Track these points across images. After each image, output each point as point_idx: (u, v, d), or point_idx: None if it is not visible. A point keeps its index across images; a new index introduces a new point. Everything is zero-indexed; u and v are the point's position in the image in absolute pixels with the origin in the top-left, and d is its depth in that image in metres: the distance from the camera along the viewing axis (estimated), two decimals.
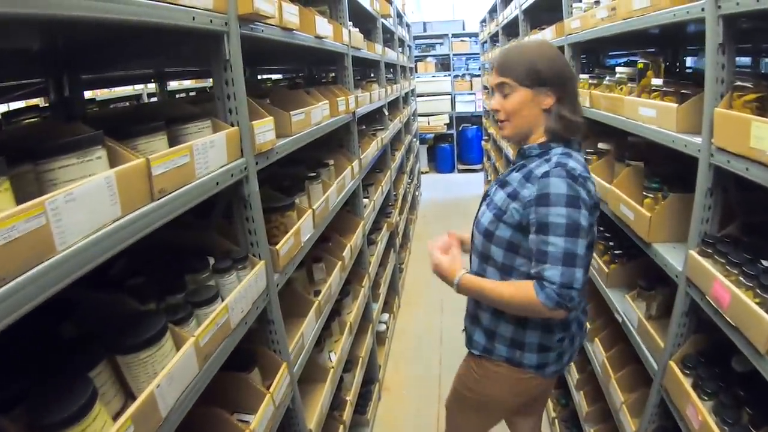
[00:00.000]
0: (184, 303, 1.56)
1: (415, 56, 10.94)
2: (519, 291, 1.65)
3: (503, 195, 1.76)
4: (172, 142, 1.51)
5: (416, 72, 10.82)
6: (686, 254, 1.74)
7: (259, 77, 5.20)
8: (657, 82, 1.99)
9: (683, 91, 1.84)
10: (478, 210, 1.90)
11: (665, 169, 2.33)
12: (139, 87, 5.11)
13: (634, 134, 2.18)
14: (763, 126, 1.25)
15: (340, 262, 2.89)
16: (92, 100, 3.26)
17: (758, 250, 1.58)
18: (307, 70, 5.20)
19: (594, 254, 2.67)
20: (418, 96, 10.23)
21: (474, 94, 10.94)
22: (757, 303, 1.36)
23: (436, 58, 11.59)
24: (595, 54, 4.34)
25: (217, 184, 1.52)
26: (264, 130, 1.80)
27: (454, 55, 11.30)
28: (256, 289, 1.79)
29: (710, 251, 1.65)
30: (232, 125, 1.68)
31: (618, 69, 2.43)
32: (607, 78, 2.55)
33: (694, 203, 1.72)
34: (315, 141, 2.57)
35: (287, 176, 2.68)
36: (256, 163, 1.78)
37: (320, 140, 2.74)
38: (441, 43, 11.52)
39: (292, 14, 2.09)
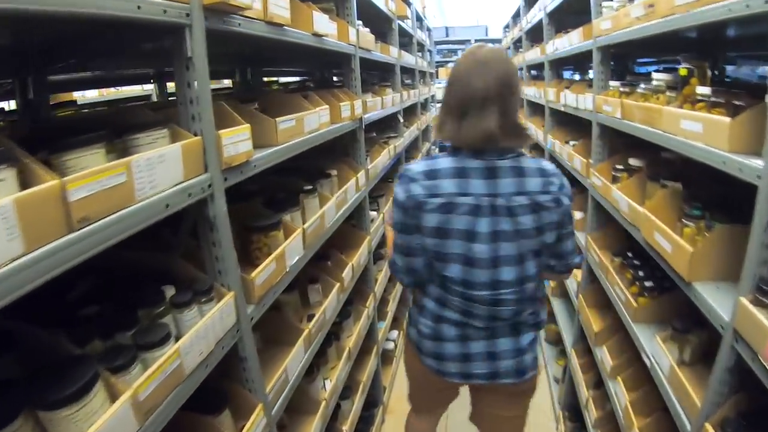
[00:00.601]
0: (131, 344, 1.32)
1: (437, 61, 10.69)
2: None
3: None
4: (123, 155, 1.27)
5: (437, 77, 10.55)
6: (736, 302, 1.43)
7: (266, 79, 4.99)
8: (703, 90, 1.68)
9: (736, 102, 1.53)
10: None
11: (707, 191, 2.03)
12: (148, 87, 4.88)
13: (668, 149, 1.88)
14: None
15: (338, 284, 2.62)
16: (72, 102, 3.01)
17: None
18: (319, 72, 4.96)
19: (621, 285, 2.42)
20: (438, 102, 9.92)
21: None
22: None
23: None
24: (622, 61, 4.03)
25: (168, 206, 1.26)
26: (236, 139, 1.54)
27: None
28: (222, 326, 1.53)
29: (767, 300, 1.34)
30: (196, 134, 1.41)
31: (655, 75, 2.12)
32: (642, 85, 2.24)
33: (749, 240, 1.41)
34: (319, 148, 2.36)
35: (283, 187, 2.43)
36: (225, 179, 1.52)
37: (324, 148, 2.52)
38: (463, 49, 11.17)
39: (280, 7, 1.83)
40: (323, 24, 2.31)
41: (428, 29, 8.49)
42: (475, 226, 1.71)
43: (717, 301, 1.61)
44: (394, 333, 4.42)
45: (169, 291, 1.53)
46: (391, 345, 4.25)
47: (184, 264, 1.63)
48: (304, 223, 2.20)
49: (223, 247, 1.55)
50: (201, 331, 1.41)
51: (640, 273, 2.40)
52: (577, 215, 3.41)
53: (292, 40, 2.01)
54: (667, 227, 1.86)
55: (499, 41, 10.06)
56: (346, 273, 2.76)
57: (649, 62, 4.30)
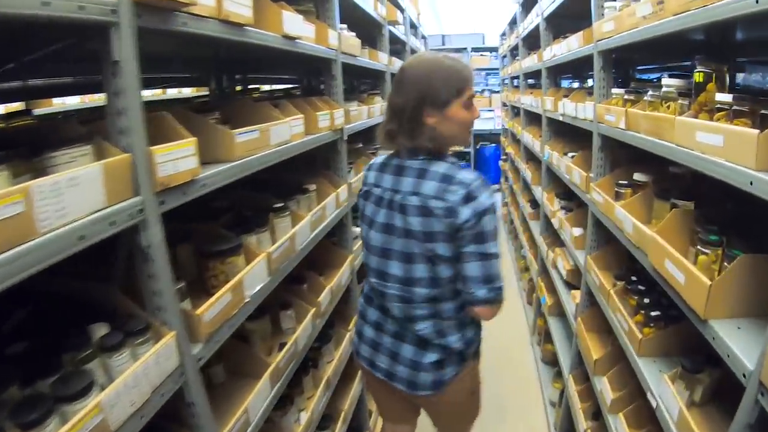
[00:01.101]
0: (49, 394, 1.11)
1: None
2: None
3: None
4: (39, 176, 1.07)
5: None
6: (764, 349, 1.19)
7: (254, 87, 4.77)
8: (724, 97, 1.44)
9: (764, 111, 1.30)
10: None
11: (721, 210, 1.80)
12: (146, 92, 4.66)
13: (678, 163, 1.66)
14: None
15: (313, 309, 2.39)
16: (27, 112, 2.77)
17: None
18: (306, 80, 4.74)
19: (624, 312, 2.22)
20: None
21: (493, 110, 10.44)
22: None
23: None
24: (623, 67, 3.81)
25: (82, 238, 1.03)
26: (176, 156, 1.31)
27: (473, 69, 10.74)
28: (160, 371, 1.30)
29: None
30: (125, 151, 1.18)
31: (665, 81, 1.88)
32: (650, 92, 2.00)
33: None
34: (298, 161, 2.22)
35: (255, 204, 2.24)
36: (162, 203, 1.29)
37: (304, 160, 2.37)
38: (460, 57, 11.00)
39: (239, 4, 1.61)
40: (295, 25, 2.09)
41: (423, 37, 8.27)
42: (376, 215, 1.86)
43: (738, 344, 1.37)
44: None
45: (100, 330, 1.31)
46: None
47: (122, 298, 1.40)
48: (275, 242, 1.98)
49: (160, 280, 1.32)
50: (130, 380, 1.19)
51: (646, 300, 2.17)
52: (576, 232, 3.18)
53: (255, 42, 1.79)
54: (679, 254, 1.62)
55: (495, 49, 9.90)
56: (324, 297, 2.53)
57: (651, 68, 4.07)
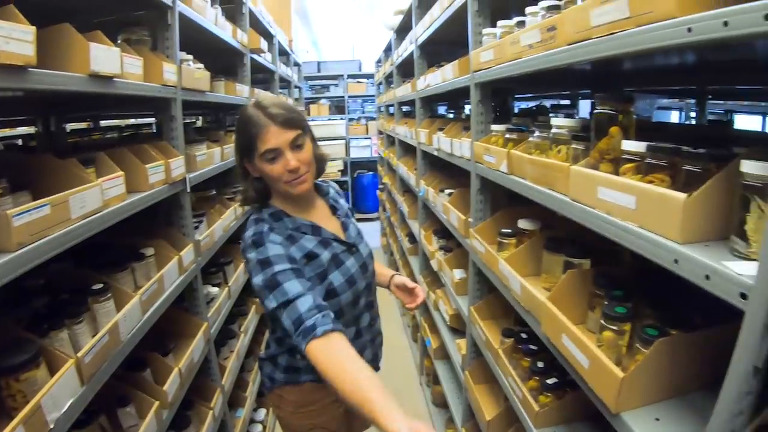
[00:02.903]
0: None
1: (307, 98, 10.21)
2: None
3: (353, 219, 2.02)
4: None
5: (309, 115, 10.07)
6: None
7: (105, 124, 4.22)
8: (634, 146, 1.18)
9: (687, 167, 1.04)
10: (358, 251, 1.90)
11: (621, 268, 1.56)
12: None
13: None
14: None
15: (157, 403, 1.93)
16: None
17: None
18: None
19: (515, 376, 1.98)
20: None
21: (369, 138, 10.28)
22: None
23: (331, 100, 10.82)
24: (500, 94, 3.63)
25: None
26: None
27: (349, 97, 10.58)
28: None
29: None
30: None
31: (555, 121, 1.62)
32: (537, 133, 1.74)
33: (723, 390, 0.90)
34: (132, 218, 1.81)
35: (76, 282, 1.78)
36: None
37: (141, 215, 1.94)
38: (336, 84, 10.79)
39: (15, 40, 1.16)
40: (110, 61, 1.62)
41: (297, 64, 7.93)
42: None
43: None
44: (261, 413, 3.73)
45: None
46: (258, 428, 3.57)
47: None
48: (89, 343, 1.51)
49: None
50: None
51: (540, 364, 1.90)
52: (457, 275, 2.92)
53: (44, 87, 1.33)
54: (580, 332, 1.34)
55: (372, 76, 9.76)
56: (171, 383, 2.06)
57: (529, 97, 3.95)
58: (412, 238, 4.93)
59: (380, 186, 8.30)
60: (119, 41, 2.14)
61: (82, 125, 4.24)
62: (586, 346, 1.29)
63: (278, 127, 1.62)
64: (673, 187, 1.05)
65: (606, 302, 1.38)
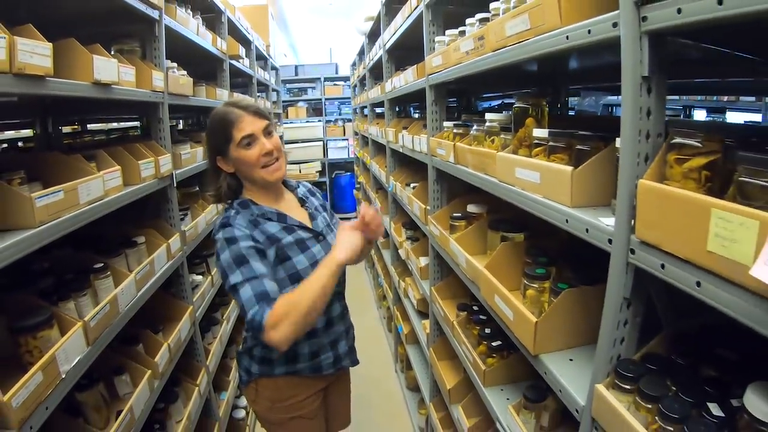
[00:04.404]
0: None
1: (286, 101, 10.41)
2: None
3: (325, 214, 2.12)
4: None
5: (287, 117, 10.25)
6: (591, 388, 1.18)
7: (94, 127, 4.41)
8: (540, 133, 1.46)
9: (579, 146, 1.31)
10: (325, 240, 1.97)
11: (553, 240, 1.83)
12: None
13: None
14: (736, 218, 0.71)
15: (149, 372, 2.16)
16: None
17: (704, 382, 1.08)
18: (146, 117, 4.43)
19: (467, 343, 2.22)
20: (287, 143, 9.60)
21: (347, 139, 10.50)
22: None
23: (308, 102, 11.04)
24: (466, 95, 3.91)
25: None
26: None
27: (326, 99, 10.81)
28: None
29: (628, 386, 1.10)
30: None
31: (488, 116, 1.90)
32: (475, 127, 2.02)
33: (602, 319, 1.17)
34: (124, 210, 2.02)
35: (78, 264, 2.01)
36: None
37: (132, 209, 2.16)
38: (313, 87, 11.01)
39: (37, 55, 1.43)
40: (109, 70, 1.88)
41: (275, 68, 8.14)
42: None
43: (570, 378, 1.36)
44: (244, 400, 3.91)
45: None
46: (241, 414, 3.77)
47: None
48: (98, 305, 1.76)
49: None
50: None
51: (487, 330, 2.17)
52: (422, 262, 3.18)
53: (59, 94, 1.58)
54: (507, 291, 1.61)
55: (348, 78, 9.98)
56: (161, 356, 2.29)
57: (493, 97, 4.23)
58: (384, 233, 5.18)
59: (356, 185, 8.53)
60: (113, 52, 2.37)
61: (72, 128, 4.43)
62: (511, 301, 1.56)
63: (252, 116, 1.80)
64: (570, 165, 1.32)
65: (529, 267, 1.64)
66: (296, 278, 1.79)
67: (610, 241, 1.09)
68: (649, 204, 0.93)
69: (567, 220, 1.24)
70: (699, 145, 0.90)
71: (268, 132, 1.83)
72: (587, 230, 1.17)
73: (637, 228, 0.98)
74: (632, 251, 1.02)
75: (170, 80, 2.63)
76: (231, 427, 3.56)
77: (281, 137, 8.85)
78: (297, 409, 2.02)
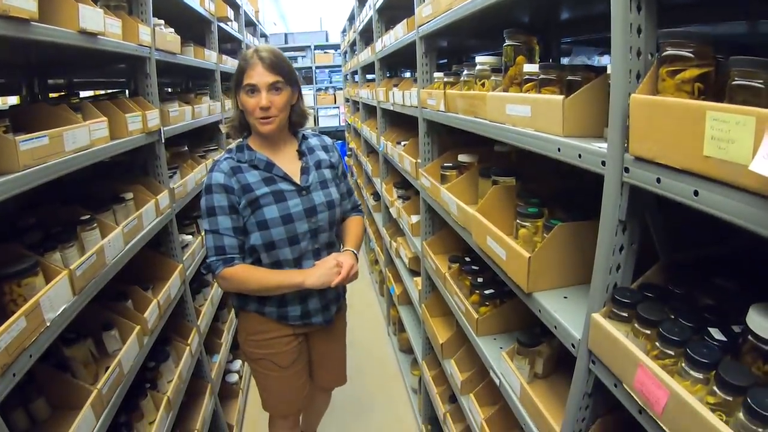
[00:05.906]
0: None
1: None
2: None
3: (327, 171, 2.15)
4: None
5: None
6: (587, 319, 1.18)
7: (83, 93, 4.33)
8: (531, 68, 1.43)
9: (570, 77, 1.29)
10: (309, 195, 2.07)
11: (545, 185, 1.82)
12: None
13: (500, 141, 1.64)
14: (732, 117, 0.70)
15: (138, 327, 2.15)
16: None
17: (703, 310, 1.08)
18: (133, 82, 4.35)
19: (460, 294, 2.22)
20: None
21: (338, 107, 10.45)
22: (711, 407, 0.82)
23: (299, 71, 10.87)
24: (457, 55, 3.86)
25: None
26: None
27: (316, 67, 10.72)
28: None
29: (625, 314, 1.10)
30: None
31: (479, 59, 1.87)
32: (465, 72, 2.00)
33: (597, 244, 1.16)
34: (113, 167, 2.06)
35: (66, 218, 1.99)
36: None
37: (120, 166, 2.20)
38: (303, 56, 10.91)
39: None
40: (95, 20, 1.83)
41: (264, 35, 8.03)
42: None
43: (565, 314, 1.36)
44: (237, 363, 3.95)
45: None
46: (234, 378, 3.78)
47: None
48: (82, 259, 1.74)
49: None
50: None
51: (479, 279, 2.17)
52: (414, 219, 3.18)
53: (44, 39, 1.54)
54: (499, 231, 1.60)
55: (338, 46, 9.88)
56: (150, 312, 2.28)
57: (485, 55, 4.18)
58: (376, 196, 5.19)
59: (348, 152, 8.49)
60: (98, 5, 2.32)
61: (59, 94, 4.38)
62: (503, 240, 1.55)
63: (263, 68, 1.87)
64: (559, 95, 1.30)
65: (521, 207, 1.63)
66: (263, 226, 1.96)
67: (603, 163, 1.07)
68: (642, 118, 0.91)
69: (559, 149, 1.22)
70: (691, 55, 0.88)
71: (276, 88, 1.91)
72: (579, 155, 1.15)
73: (631, 144, 0.96)
74: (626, 170, 1.00)
75: (157, 36, 2.58)
76: (224, 391, 3.58)
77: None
78: (266, 347, 2.19)
